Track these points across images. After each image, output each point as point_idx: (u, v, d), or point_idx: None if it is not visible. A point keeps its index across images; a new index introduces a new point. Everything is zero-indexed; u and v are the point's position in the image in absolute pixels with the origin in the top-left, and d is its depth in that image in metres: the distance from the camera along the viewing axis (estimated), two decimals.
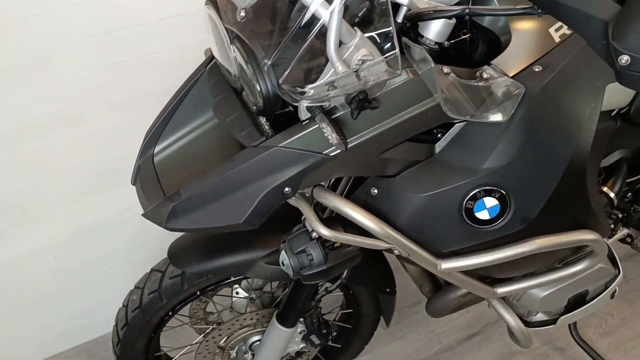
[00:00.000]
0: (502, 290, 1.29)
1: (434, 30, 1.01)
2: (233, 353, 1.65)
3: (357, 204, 1.07)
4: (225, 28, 0.99)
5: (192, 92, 1.22)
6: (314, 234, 1.08)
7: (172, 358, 1.70)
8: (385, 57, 0.88)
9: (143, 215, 1.15)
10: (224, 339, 1.58)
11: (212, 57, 1.23)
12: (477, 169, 1.05)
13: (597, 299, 1.42)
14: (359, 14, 0.93)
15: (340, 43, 0.88)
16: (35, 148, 1.73)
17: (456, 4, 1.02)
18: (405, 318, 2.15)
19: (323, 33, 0.86)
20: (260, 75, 0.92)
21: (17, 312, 1.99)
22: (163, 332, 1.59)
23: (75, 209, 1.88)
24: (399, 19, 1.03)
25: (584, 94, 1.05)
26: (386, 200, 1.09)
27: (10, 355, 2.07)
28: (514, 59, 1.05)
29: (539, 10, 0.86)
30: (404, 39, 0.98)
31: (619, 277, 1.40)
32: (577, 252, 1.31)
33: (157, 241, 2.03)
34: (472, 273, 1.21)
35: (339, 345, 1.81)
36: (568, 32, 1.08)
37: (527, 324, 1.44)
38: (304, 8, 0.87)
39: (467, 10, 0.93)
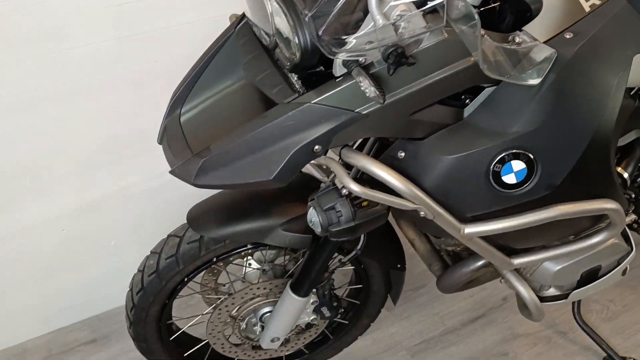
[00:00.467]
0: (518, 261, 1.30)
1: None
2: (243, 324, 1.65)
3: None
4: None
5: (219, 54, 1.23)
6: (344, 191, 1.09)
7: (182, 329, 1.70)
8: (423, 10, 0.90)
9: (170, 172, 1.15)
10: (236, 308, 1.58)
11: (239, 21, 1.24)
12: (506, 132, 1.06)
13: (609, 274, 1.45)
14: None
15: None
16: (46, 117, 1.73)
17: None
18: (409, 300, 2.17)
19: None
20: (300, 27, 0.93)
21: (22, 282, 1.98)
22: (175, 301, 1.60)
23: (83, 181, 1.88)
24: None
25: (613, 62, 1.07)
26: (413, 163, 1.10)
27: (14, 327, 2.06)
28: (544, 26, 1.06)
29: None
30: None
31: (631, 254, 1.42)
32: (593, 227, 1.33)
33: (166, 217, 2.04)
34: (491, 241, 1.23)
35: (346, 322, 1.82)
36: (598, 2, 1.10)
37: (539, 298, 1.46)
38: None
39: None
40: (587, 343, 1.94)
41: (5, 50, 1.57)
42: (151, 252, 1.50)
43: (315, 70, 1.05)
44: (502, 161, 1.07)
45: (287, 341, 1.75)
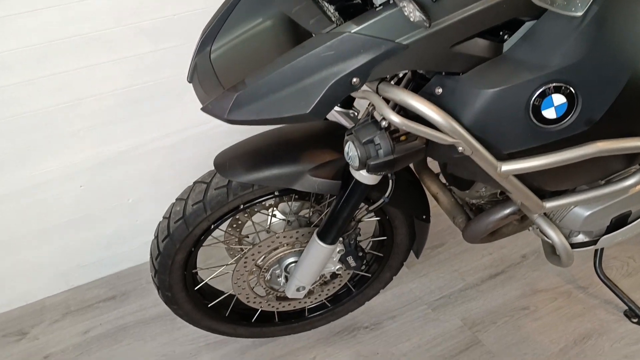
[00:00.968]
0: (550, 204, 1.29)
1: None
2: (267, 275, 1.65)
3: None
4: None
5: None
6: (383, 123, 1.08)
7: (206, 279, 1.70)
8: None
9: (202, 109, 1.14)
10: (262, 257, 1.58)
11: None
12: (547, 65, 1.05)
13: (638, 220, 1.43)
14: None
15: None
16: (66, 69, 1.71)
17: None
18: (428, 259, 2.17)
19: None
20: None
21: (39, 238, 1.98)
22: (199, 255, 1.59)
23: (101, 136, 1.88)
24: None
25: None
26: (451, 98, 1.09)
27: (32, 285, 2.07)
28: None
29: None
30: None
31: None
32: (625, 170, 1.31)
33: (183, 175, 2.04)
34: (524, 182, 1.22)
35: (369, 275, 1.82)
36: None
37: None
38: None
39: None
40: (608, 297, 1.94)
41: (23, 1, 1.55)
42: (177, 199, 1.50)
43: (352, 1, 1.03)
44: (543, 95, 1.05)
45: (310, 293, 1.75)
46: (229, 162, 1.40)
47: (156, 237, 1.52)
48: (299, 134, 1.44)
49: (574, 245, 1.45)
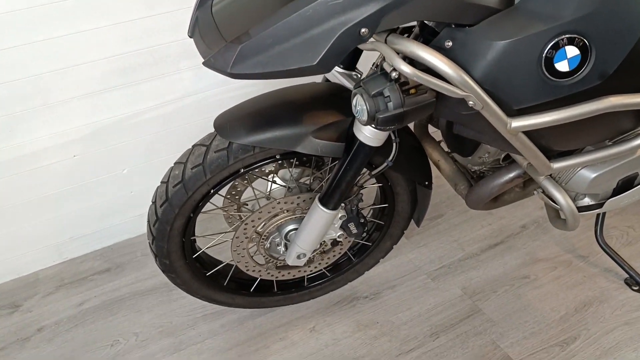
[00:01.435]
0: (557, 164, 1.27)
1: None
2: (267, 243, 1.63)
3: None
4: None
5: None
6: (393, 74, 1.05)
7: (204, 248, 1.67)
8: None
9: (204, 63, 1.10)
10: (262, 224, 1.55)
11: None
12: (561, 16, 1.02)
13: None
14: None
15: None
16: (58, 35, 1.67)
17: None
18: (427, 229, 2.16)
19: None
20: None
21: (33, 209, 1.95)
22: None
23: (95, 104, 1.83)
24: None
25: None
26: (461, 51, 1.06)
27: (26, 257, 2.04)
28: None
29: None
30: None
31: None
32: (634, 129, 1.29)
33: (179, 146, 2.01)
34: (534, 140, 1.19)
35: (369, 244, 1.80)
36: None
37: None
38: None
39: None
40: (608, 266, 1.94)
41: None
42: (175, 162, 1.46)
43: None
44: (556, 46, 1.03)
45: (310, 261, 1.73)
46: (230, 123, 1.36)
47: (154, 202, 1.48)
48: (302, 95, 1.40)
49: (579, 209, 1.43)
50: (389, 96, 1.07)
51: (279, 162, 1.47)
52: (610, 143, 1.32)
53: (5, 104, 1.69)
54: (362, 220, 1.56)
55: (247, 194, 1.63)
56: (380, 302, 1.87)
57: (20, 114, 1.75)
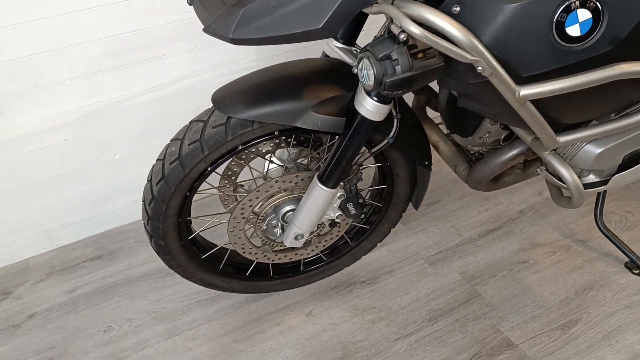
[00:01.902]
0: (564, 138, 1.25)
1: None
2: (264, 225, 1.59)
3: None
4: None
5: None
6: (402, 36, 1.02)
7: (200, 230, 1.64)
8: None
9: (205, 30, 1.07)
10: (259, 203, 1.52)
11: None
12: None
13: None
14: None
15: None
16: (51, 14, 1.63)
17: None
18: (423, 215, 2.13)
19: None
20: None
21: (23, 194, 1.90)
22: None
23: (87, 87, 1.79)
24: None
25: None
26: (469, 16, 1.03)
27: (16, 244, 1.99)
28: None
29: None
30: None
31: None
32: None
33: (173, 130, 1.96)
34: (541, 111, 1.17)
35: (367, 227, 1.78)
36: None
37: None
38: None
39: None
40: (607, 250, 1.92)
41: None
42: (172, 139, 1.42)
43: None
44: (568, 10, 1.00)
45: (307, 244, 1.70)
46: (228, 98, 1.33)
47: (149, 180, 1.44)
48: (301, 70, 1.38)
49: (584, 186, 1.41)
50: (396, 59, 1.05)
51: (277, 140, 1.44)
52: (616, 117, 1.30)
53: None
54: (360, 201, 1.54)
55: (243, 176, 1.59)
56: (378, 287, 1.85)
57: (9, 96, 1.71)
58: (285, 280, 1.80)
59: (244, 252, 1.62)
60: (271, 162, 1.56)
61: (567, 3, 1.00)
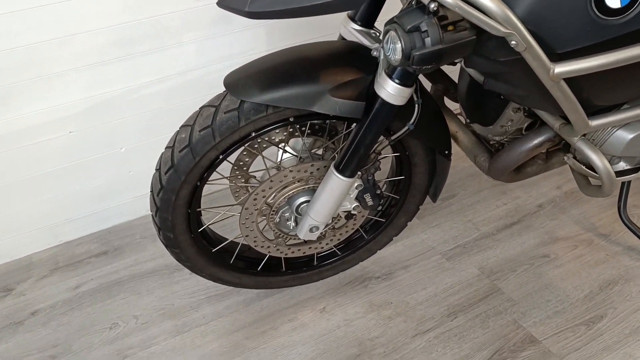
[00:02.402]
0: (596, 122, 1.19)
1: None
2: (277, 218, 1.53)
3: None
4: None
5: None
6: (432, 6, 0.95)
7: (211, 222, 1.57)
8: None
9: (219, 4, 1.02)
10: (273, 194, 1.46)
11: None
12: None
13: None
14: None
15: None
16: (55, 1, 1.57)
17: None
18: (438, 210, 2.07)
19: None
20: None
21: (27, 188, 1.84)
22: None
23: (92, 77, 1.73)
24: None
25: None
26: None
27: (20, 239, 1.93)
28: None
29: None
30: None
31: None
32: None
33: (178, 123, 1.90)
34: (574, 92, 1.11)
35: (383, 220, 1.71)
36: None
37: None
38: None
39: None
40: (631, 244, 1.86)
41: None
42: (182, 126, 1.36)
43: None
44: None
45: (321, 237, 1.63)
46: (242, 81, 1.27)
47: (158, 169, 1.38)
48: (318, 52, 1.32)
49: (615, 174, 1.34)
50: (426, 31, 0.98)
51: (291, 128, 1.38)
52: None
53: None
54: (378, 192, 1.47)
55: (255, 166, 1.53)
56: (394, 282, 1.78)
57: (13, 86, 1.65)
58: (297, 276, 1.74)
59: (256, 246, 1.56)
60: (285, 151, 1.50)
61: None
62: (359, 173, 1.42)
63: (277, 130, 1.39)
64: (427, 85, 1.69)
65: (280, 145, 1.49)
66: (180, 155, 1.32)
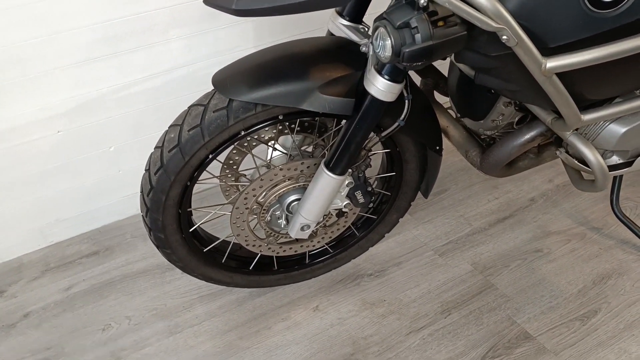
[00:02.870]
0: (589, 116, 1.18)
1: None
2: (267, 216, 1.52)
3: None
4: None
5: None
6: (422, 1, 0.94)
7: (201, 222, 1.56)
8: None
9: (205, 1, 0.99)
10: (263, 193, 1.44)
11: None
12: None
13: None
14: None
15: None
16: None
17: None
18: (430, 205, 2.06)
19: None
20: None
21: (16, 189, 1.82)
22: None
23: (79, 76, 1.71)
24: None
25: None
26: None
27: (9, 241, 1.91)
28: None
29: None
30: None
31: None
32: None
33: (167, 121, 1.88)
34: (566, 86, 1.09)
35: (374, 217, 1.70)
36: None
37: None
38: None
39: None
40: (624, 237, 1.85)
41: None
42: (171, 125, 1.34)
43: None
44: None
45: (313, 235, 1.62)
46: (230, 79, 1.25)
47: (147, 170, 1.36)
48: (307, 49, 1.30)
49: (608, 168, 1.33)
50: (416, 27, 0.97)
51: (281, 125, 1.36)
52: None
53: None
54: (369, 189, 1.46)
55: (245, 165, 1.52)
56: (386, 280, 1.77)
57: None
58: (289, 274, 1.72)
59: (247, 245, 1.55)
60: (274, 149, 1.48)
61: None
62: (350, 170, 1.41)
63: (267, 129, 1.37)
64: (417, 79, 1.68)
65: (269, 144, 1.47)
66: (169, 155, 1.31)
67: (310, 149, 1.51)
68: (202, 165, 1.35)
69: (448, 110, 1.67)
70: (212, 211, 1.60)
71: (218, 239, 1.60)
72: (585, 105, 1.21)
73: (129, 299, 1.77)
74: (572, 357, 1.53)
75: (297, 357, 1.57)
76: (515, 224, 1.95)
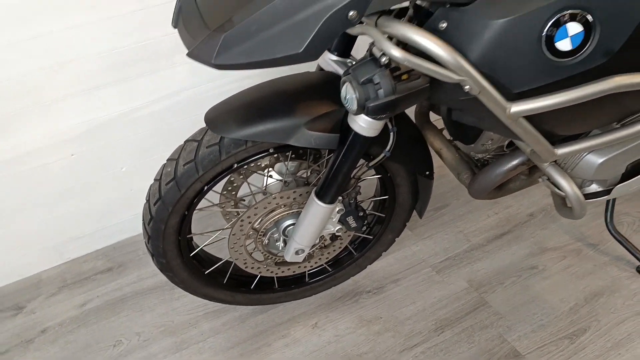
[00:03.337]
0: (562, 150, 1.22)
1: None
2: (265, 240, 1.59)
3: None
4: None
5: None
6: (383, 59, 1.00)
7: (202, 246, 1.63)
8: None
9: (188, 54, 1.05)
10: (259, 219, 1.51)
11: None
12: None
13: None
14: None
15: None
16: (49, 30, 1.63)
17: None
18: (431, 221, 2.11)
19: None
20: None
21: (33, 210, 1.92)
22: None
23: (89, 102, 1.79)
24: None
25: None
26: (457, 32, 1.00)
27: (28, 258, 2.01)
28: None
29: None
30: None
31: None
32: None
33: (178, 141, 1.96)
34: (536, 125, 1.14)
35: (371, 237, 1.76)
36: None
37: None
38: None
39: None
40: (619, 254, 1.88)
41: None
42: (168, 159, 1.42)
43: None
44: (557, 24, 0.97)
45: (310, 257, 1.69)
46: (221, 117, 1.32)
47: (148, 200, 1.44)
48: (294, 85, 1.36)
49: (587, 196, 1.37)
50: (379, 83, 1.02)
51: (274, 155, 1.43)
52: (617, 125, 1.26)
53: None
54: (361, 214, 1.52)
55: (244, 189, 1.59)
56: (384, 297, 1.83)
57: (11, 114, 1.71)
58: (290, 292, 1.79)
59: (246, 267, 1.62)
60: (270, 177, 1.55)
61: (556, 17, 0.97)
62: (340, 198, 1.46)
63: (262, 158, 1.44)
64: None
65: (265, 171, 1.54)
66: (166, 188, 1.38)
67: (305, 175, 1.57)
68: (199, 196, 1.42)
69: (442, 132, 1.71)
70: (213, 235, 1.67)
71: (220, 260, 1.67)
72: (560, 139, 1.25)
73: (139, 316, 1.86)
74: None
75: None
76: (513, 240, 1.99)
